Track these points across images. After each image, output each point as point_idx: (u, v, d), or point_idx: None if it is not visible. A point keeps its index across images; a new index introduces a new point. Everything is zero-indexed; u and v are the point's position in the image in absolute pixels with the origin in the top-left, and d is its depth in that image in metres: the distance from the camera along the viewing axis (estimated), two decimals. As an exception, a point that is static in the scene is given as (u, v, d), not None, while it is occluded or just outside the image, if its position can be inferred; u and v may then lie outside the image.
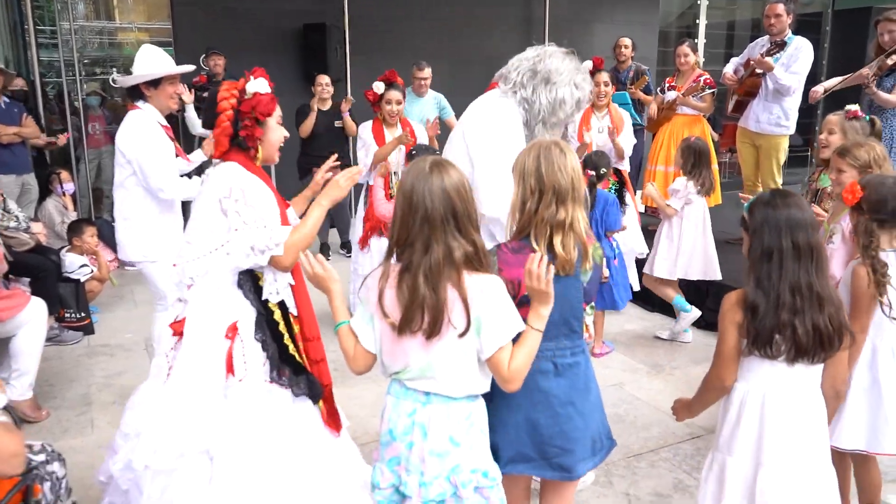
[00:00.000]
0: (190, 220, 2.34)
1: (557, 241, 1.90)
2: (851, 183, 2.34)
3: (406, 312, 1.73)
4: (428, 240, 1.72)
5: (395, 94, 4.59)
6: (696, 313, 4.50)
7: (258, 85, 2.27)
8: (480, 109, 2.90)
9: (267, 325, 2.27)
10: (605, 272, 2.04)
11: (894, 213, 2.35)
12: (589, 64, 4.90)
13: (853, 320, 2.32)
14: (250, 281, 2.28)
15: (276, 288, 2.30)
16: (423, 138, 4.73)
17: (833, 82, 4.92)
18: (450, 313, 1.72)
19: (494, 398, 1.96)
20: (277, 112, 2.34)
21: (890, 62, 4.75)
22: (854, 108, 3.32)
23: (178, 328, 2.30)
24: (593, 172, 4.12)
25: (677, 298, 4.51)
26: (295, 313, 2.34)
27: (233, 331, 2.23)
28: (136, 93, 3.44)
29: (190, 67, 3.77)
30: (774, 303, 1.86)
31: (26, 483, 1.84)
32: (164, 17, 7.31)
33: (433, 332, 1.72)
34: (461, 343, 1.74)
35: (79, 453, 3.12)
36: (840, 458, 2.42)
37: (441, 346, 1.75)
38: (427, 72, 6.03)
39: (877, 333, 2.40)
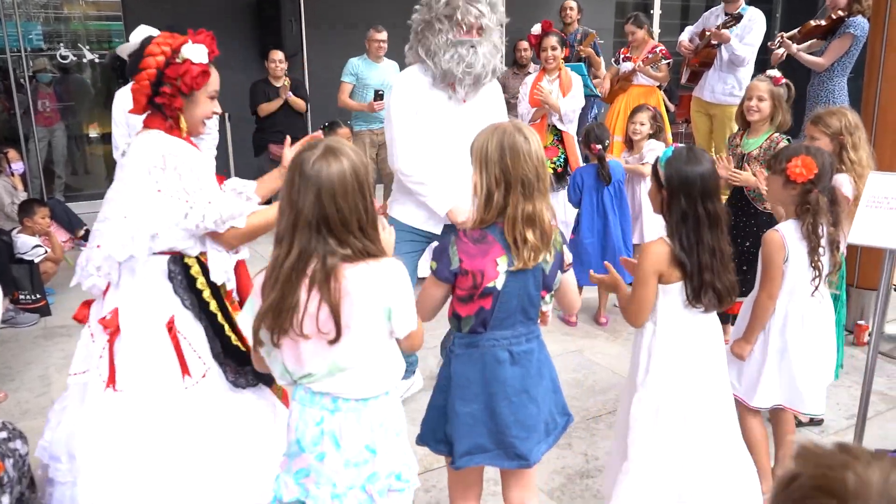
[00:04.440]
0: (109, 196, 2.11)
1: (529, 233, 1.84)
2: (801, 158, 2.37)
3: (274, 315, 1.59)
4: (312, 235, 1.57)
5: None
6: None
7: (194, 52, 2.02)
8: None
9: (206, 317, 2.11)
10: (568, 258, 2.05)
11: (825, 186, 2.42)
12: (538, 27, 4.94)
13: (762, 287, 2.46)
14: (182, 272, 2.09)
15: (227, 267, 2.15)
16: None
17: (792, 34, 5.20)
18: (321, 314, 1.58)
19: (449, 388, 1.97)
20: (212, 86, 2.12)
21: (814, 23, 4.97)
22: (776, 73, 3.40)
23: (110, 324, 2.06)
24: (600, 146, 4.09)
25: None
26: (235, 295, 2.20)
27: (171, 326, 2.06)
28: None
29: None
30: (697, 265, 2.05)
31: (-13, 461, 1.83)
32: (112, -10, 7.11)
33: (338, 335, 1.59)
34: (367, 334, 1.65)
35: (38, 434, 3.07)
36: (754, 417, 2.59)
37: (344, 343, 1.62)
38: (384, 34, 5.93)
39: (789, 300, 2.48)
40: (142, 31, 3.58)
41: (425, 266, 2.32)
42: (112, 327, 2.05)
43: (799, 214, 2.42)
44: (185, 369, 2.07)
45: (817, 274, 2.44)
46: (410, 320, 1.72)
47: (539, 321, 2.05)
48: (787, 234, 2.43)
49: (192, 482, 2.08)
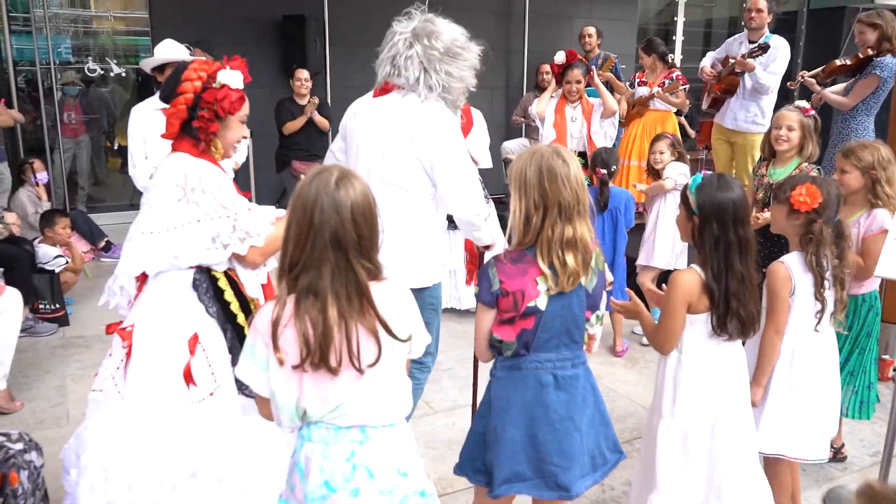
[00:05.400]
0: (141, 216, 2.13)
1: (570, 258, 1.83)
2: (806, 187, 2.33)
3: (319, 348, 1.52)
4: (332, 263, 1.53)
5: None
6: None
7: (231, 77, 2.06)
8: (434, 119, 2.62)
9: (232, 328, 2.09)
10: (609, 277, 2.02)
11: (829, 217, 2.38)
12: (561, 56, 4.87)
13: (768, 322, 2.38)
14: (208, 282, 2.08)
15: (260, 281, 2.14)
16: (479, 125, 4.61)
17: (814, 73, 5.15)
18: (369, 340, 1.56)
19: (489, 413, 1.93)
20: (243, 111, 2.14)
21: (839, 62, 4.90)
22: (806, 105, 3.37)
23: (126, 335, 2.07)
24: (605, 171, 4.07)
25: None
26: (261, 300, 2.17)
27: (193, 343, 2.04)
28: (153, 80, 3.72)
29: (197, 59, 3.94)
30: (725, 292, 2.03)
31: (2, 472, 1.82)
32: (140, 5, 7.22)
33: (375, 360, 1.56)
34: (395, 356, 1.63)
35: (53, 444, 3.09)
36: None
37: (375, 371, 1.59)
38: None
39: (797, 335, 2.41)
40: (166, 45, 3.70)
41: None
42: (128, 339, 2.06)
43: (802, 245, 2.37)
44: (189, 378, 2.03)
45: (821, 308, 2.37)
46: (425, 339, 1.71)
47: (585, 347, 2.00)
48: (792, 266, 2.37)
49: (192, 497, 2.06)
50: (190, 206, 2.01)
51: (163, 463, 2.02)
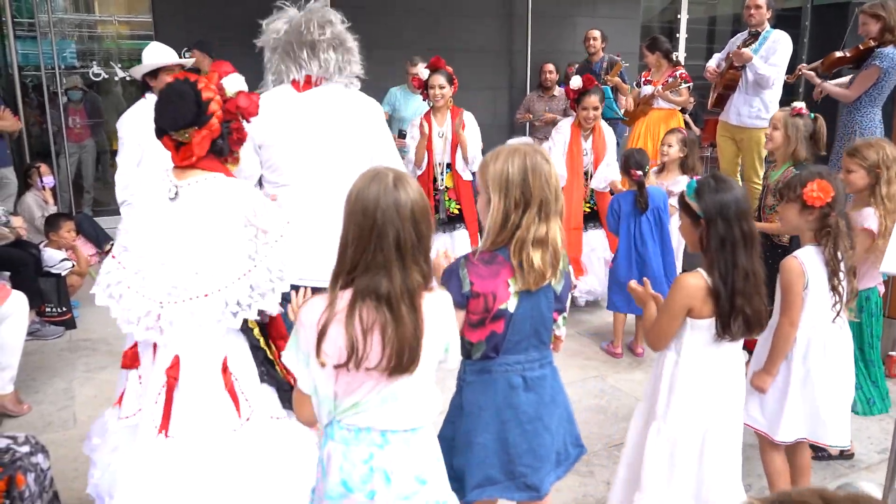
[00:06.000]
0: (192, 250, 1.95)
1: (537, 256, 1.81)
2: (816, 182, 2.34)
3: (389, 350, 1.54)
4: (395, 265, 1.54)
5: (437, 79, 4.61)
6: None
7: (237, 82, 2.01)
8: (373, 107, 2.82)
9: (255, 349, 2.06)
10: (573, 280, 2.02)
11: (841, 209, 2.39)
12: (578, 81, 4.64)
13: (783, 314, 2.41)
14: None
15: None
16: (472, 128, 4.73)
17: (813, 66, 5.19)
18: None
19: (460, 418, 1.92)
20: None
21: (838, 54, 4.89)
22: (799, 105, 3.36)
23: (173, 373, 1.96)
24: (640, 172, 4.03)
25: None
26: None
27: (225, 370, 1.98)
28: (144, 86, 3.60)
29: (189, 61, 3.97)
30: (731, 290, 2.01)
31: (9, 474, 1.83)
32: (144, 9, 7.25)
33: (409, 367, 1.56)
34: (428, 365, 1.63)
35: (61, 447, 3.11)
36: (776, 450, 2.52)
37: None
38: (418, 67, 6.00)
39: (811, 327, 2.43)
40: (154, 50, 3.61)
41: None
42: (176, 377, 1.96)
43: (818, 240, 2.38)
44: (238, 412, 1.99)
45: (837, 300, 2.39)
46: (459, 351, 1.72)
47: (552, 346, 2.00)
48: (805, 261, 2.39)
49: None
50: (256, 245, 1.94)
51: (205, 496, 1.94)
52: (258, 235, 1.96)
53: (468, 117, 4.69)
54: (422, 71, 4.61)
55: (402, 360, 1.55)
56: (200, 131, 1.93)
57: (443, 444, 1.95)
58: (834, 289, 2.38)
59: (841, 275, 2.37)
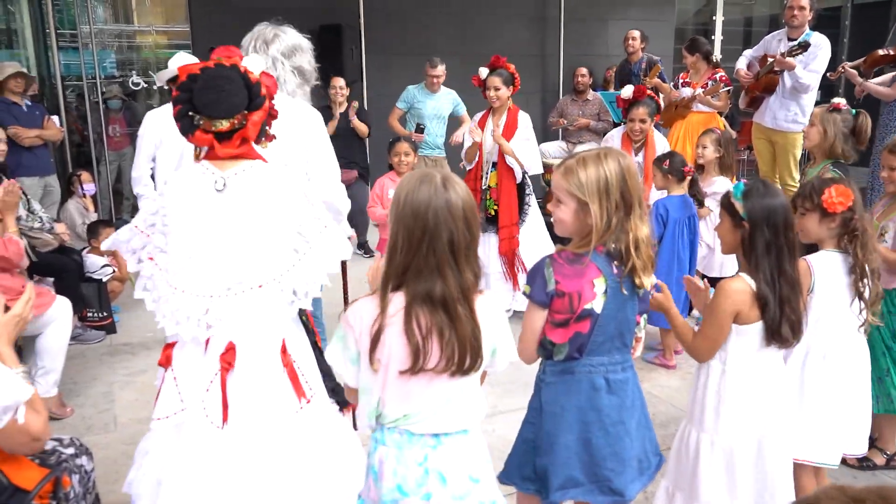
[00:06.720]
0: (244, 241, 1.84)
1: (643, 255, 1.80)
2: (834, 188, 2.27)
3: (444, 352, 1.54)
4: (448, 266, 1.53)
5: (493, 80, 4.51)
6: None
7: (258, 62, 1.91)
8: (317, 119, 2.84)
9: (308, 334, 2.03)
10: (653, 279, 1.99)
11: (861, 212, 2.33)
12: (629, 90, 4.54)
13: None
14: None
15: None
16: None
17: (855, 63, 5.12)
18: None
19: (540, 418, 1.91)
20: None
21: (881, 52, 4.78)
22: (838, 100, 3.28)
23: (229, 359, 1.83)
24: (690, 167, 3.94)
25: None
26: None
27: (284, 352, 1.88)
28: (171, 93, 3.67)
29: None
30: (778, 297, 1.98)
31: (56, 475, 1.87)
32: (181, 19, 7.40)
33: (472, 367, 1.57)
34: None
35: (102, 449, 3.17)
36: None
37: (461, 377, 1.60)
38: (440, 69, 6.08)
39: (811, 333, 2.34)
40: (181, 58, 3.65)
41: None
42: (230, 364, 1.84)
43: (842, 245, 2.31)
44: (300, 393, 1.90)
45: (864, 306, 2.32)
46: (511, 355, 1.71)
47: (632, 349, 1.98)
48: (815, 265, 2.33)
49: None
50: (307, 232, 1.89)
51: (264, 484, 1.86)
52: (309, 222, 1.87)
53: (523, 118, 4.64)
54: (481, 70, 4.59)
55: (465, 361, 1.54)
56: (255, 113, 1.83)
57: (524, 446, 1.97)
58: (860, 295, 2.30)
59: (866, 280, 2.30)
